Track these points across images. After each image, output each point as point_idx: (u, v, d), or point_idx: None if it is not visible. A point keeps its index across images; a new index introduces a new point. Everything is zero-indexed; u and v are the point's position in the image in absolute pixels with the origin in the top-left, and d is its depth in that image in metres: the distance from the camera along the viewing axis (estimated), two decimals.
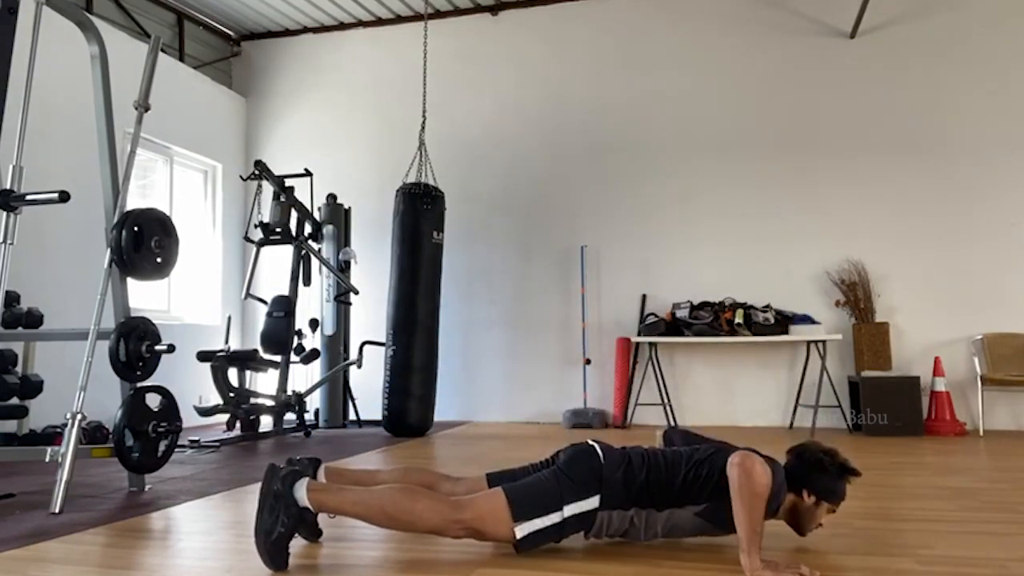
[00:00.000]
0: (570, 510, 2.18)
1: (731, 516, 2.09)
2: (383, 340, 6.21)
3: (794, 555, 2.23)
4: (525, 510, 2.16)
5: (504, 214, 7.04)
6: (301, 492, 2.18)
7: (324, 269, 6.53)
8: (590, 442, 2.33)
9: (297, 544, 2.37)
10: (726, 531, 2.23)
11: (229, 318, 6.05)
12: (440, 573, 2.11)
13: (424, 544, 2.43)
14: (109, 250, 3.41)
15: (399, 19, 7.47)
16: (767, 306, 6.15)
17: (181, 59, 7.15)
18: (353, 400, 6.57)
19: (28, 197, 3.08)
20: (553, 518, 2.17)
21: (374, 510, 2.18)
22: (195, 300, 7.15)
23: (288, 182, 6.07)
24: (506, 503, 2.16)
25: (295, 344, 5.83)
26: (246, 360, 5.58)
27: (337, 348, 6.57)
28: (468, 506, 2.17)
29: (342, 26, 7.63)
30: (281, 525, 2.13)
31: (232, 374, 5.55)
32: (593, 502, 2.19)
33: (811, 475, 2.26)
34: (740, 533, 2.01)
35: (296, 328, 5.84)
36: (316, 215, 6.56)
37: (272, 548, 2.11)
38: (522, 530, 2.15)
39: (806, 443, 2.37)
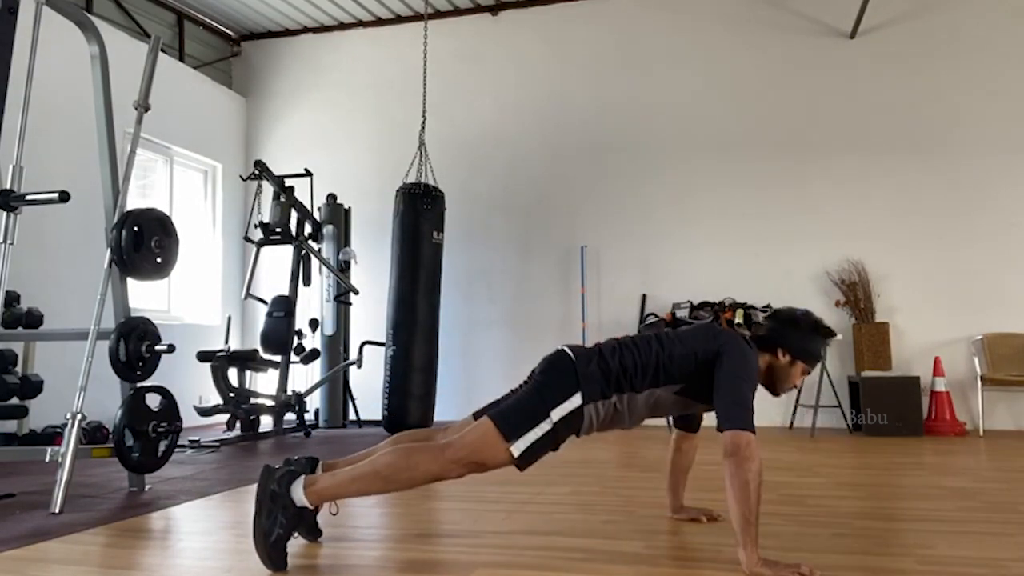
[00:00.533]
0: (557, 414, 2.20)
1: (709, 389, 2.16)
2: (383, 340, 6.21)
3: (794, 554, 2.23)
4: (515, 428, 2.18)
5: (504, 214, 7.04)
6: (298, 492, 2.18)
7: (324, 269, 6.53)
8: (560, 347, 2.36)
9: (297, 544, 2.37)
10: (706, 404, 2.27)
11: (229, 318, 6.05)
12: (440, 573, 2.11)
13: (424, 544, 2.43)
14: (109, 250, 3.41)
15: (399, 19, 7.47)
16: (767, 306, 6.16)
17: (181, 59, 7.15)
18: (353, 400, 6.57)
19: (28, 197, 3.08)
20: (543, 426, 2.19)
21: (371, 480, 2.19)
22: (195, 300, 7.15)
23: (288, 182, 6.07)
24: (495, 428, 2.18)
25: (295, 344, 5.83)
26: (246, 360, 5.58)
27: (337, 348, 6.57)
28: (459, 442, 2.19)
29: (342, 26, 7.64)
30: (279, 526, 2.13)
31: (232, 374, 5.55)
32: (575, 400, 2.21)
33: (785, 333, 2.31)
34: (735, 525, 2.00)
35: (296, 328, 5.84)
36: (316, 215, 6.56)
37: (271, 549, 2.11)
38: (517, 447, 2.17)
39: (783, 307, 2.43)
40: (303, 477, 2.21)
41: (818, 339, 2.33)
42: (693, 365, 2.24)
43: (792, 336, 2.31)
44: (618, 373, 2.24)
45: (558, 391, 2.22)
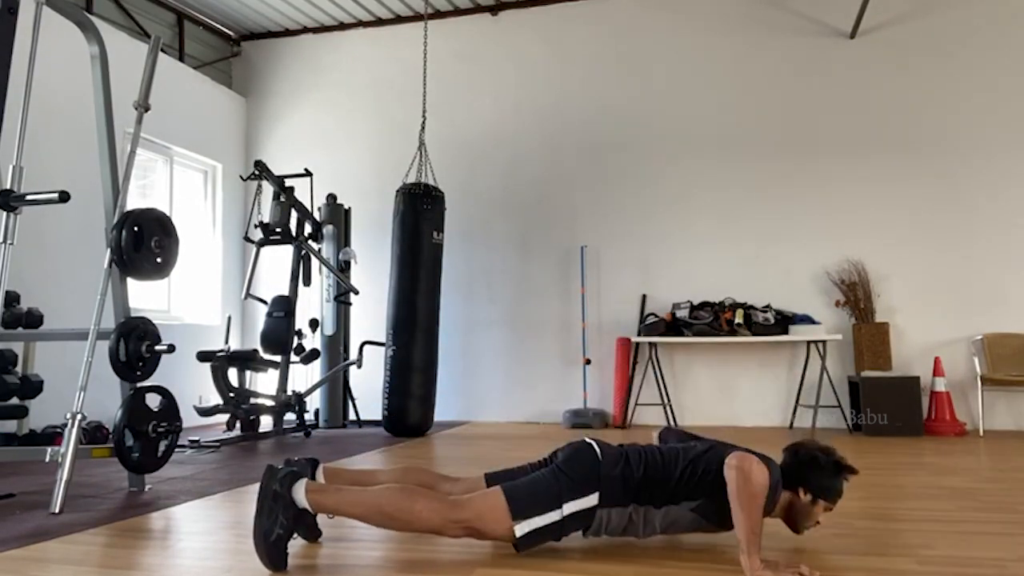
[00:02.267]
0: (569, 508, 2.18)
1: (727, 513, 2.10)
2: (383, 340, 6.21)
3: (794, 555, 2.23)
4: (524, 508, 2.16)
5: (504, 214, 7.04)
6: (300, 493, 2.18)
7: (324, 269, 6.53)
8: (588, 440, 2.33)
9: (297, 544, 2.37)
10: (722, 527, 2.23)
11: (229, 318, 6.05)
12: (440, 573, 2.11)
13: (424, 544, 2.43)
14: (109, 250, 3.41)
15: (399, 19, 7.47)
16: (767, 306, 6.15)
17: (181, 59, 7.15)
18: (353, 400, 6.57)
19: (28, 197, 3.08)
20: (552, 516, 2.17)
21: (372, 510, 2.18)
22: (195, 300, 7.15)
23: (288, 182, 6.08)
24: (505, 502, 2.16)
25: (295, 344, 5.83)
26: (246, 360, 5.57)
27: (337, 348, 6.57)
28: (467, 505, 2.17)
29: (342, 26, 7.63)
30: (280, 526, 2.13)
31: (232, 374, 5.55)
32: (592, 500, 2.19)
33: (807, 473, 2.26)
34: (739, 534, 2.01)
35: (296, 328, 5.84)
36: (316, 215, 6.56)
37: (271, 549, 2.11)
38: (521, 529, 2.15)
39: (802, 441, 2.38)
40: (305, 480, 2.21)
41: (840, 479, 2.27)
42: (714, 482, 2.18)
43: (814, 478, 2.25)
44: (639, 483, 2.21)
45: (577, 485, 2.19)
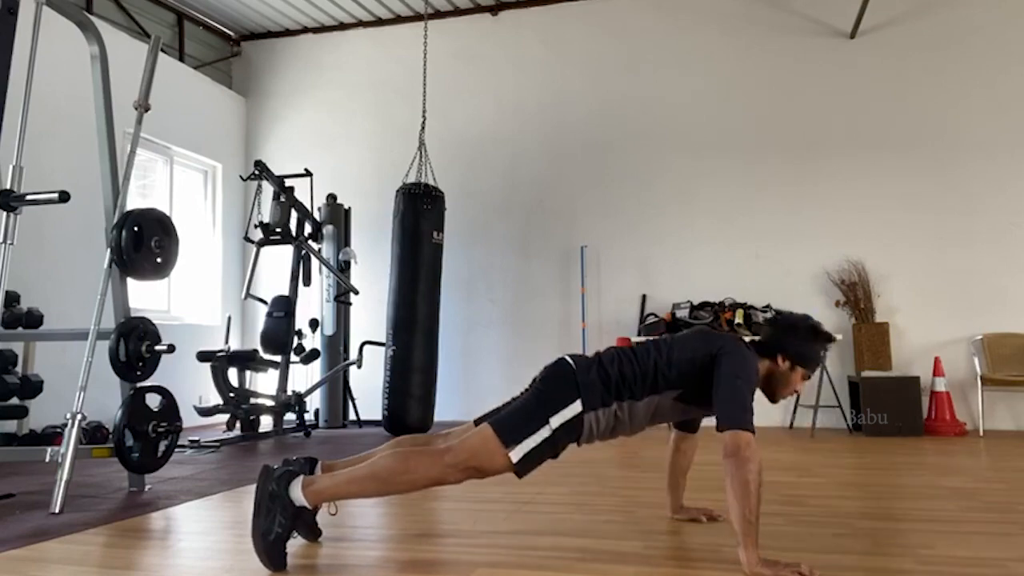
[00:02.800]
0: (556, 421, 2.20)
1: (709, 395, 2.17)
2: (383, 340, 6.21)
3: (794, 554, 2.23)
4: (514, 434, 2.19)
5: (504, 214, 7.04)
6: (297, 491, 2.18)
7: (324, 269, 6.53)
8: (561, 356, 2.37)
9: (297, 544, 2.37)
10: (706, 410, 2.29)
11: (229, 318, 6.05)
12: (440, 573, 2.11)
13: (424, 544, 2.43)
14: (109, 250, 3.41)
15: (399, 19, 7.47)
16: (767, 306, 6.15)
17: (181, 59, 7.15)
18: (353, 400, 6.57)
19: (28, 197, 3.08)
20: (543, 433, 2.19)
21: (370, 481, 2.19)
22: (195, 300, 7.15)
23: (288, 182, 6.07)
24: (494, 433, 2.19)
25: (295, 344, 5.83)
26: (246, 360, 5.58)
27: (337, 348, 6.57)
28: (459, 447, 2.20)
29: (342, 26, 7.63)
30: (278, 525, 2.13)
31: (232, 374, 5.55)
32: (576, 407, 2.22)
33: (785, 339, 2.32)
34: (735, 525, 2.00)
35: (296, 328, 5.84)
36: (316, 215, 6.56)
37: (270, 549, 2.11)
38: (516, 453, 2.17)
39: (781, 311, 2.43)
40: (301, 477, 2.21)
41: (818, 344, 2.33)
42: (691, 369, 2.24)
43: (791, 342, 2.32)
44: (617, 381, 2.25)
45: (558, 398, 2.23)
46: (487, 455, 2.18)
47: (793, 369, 2.32)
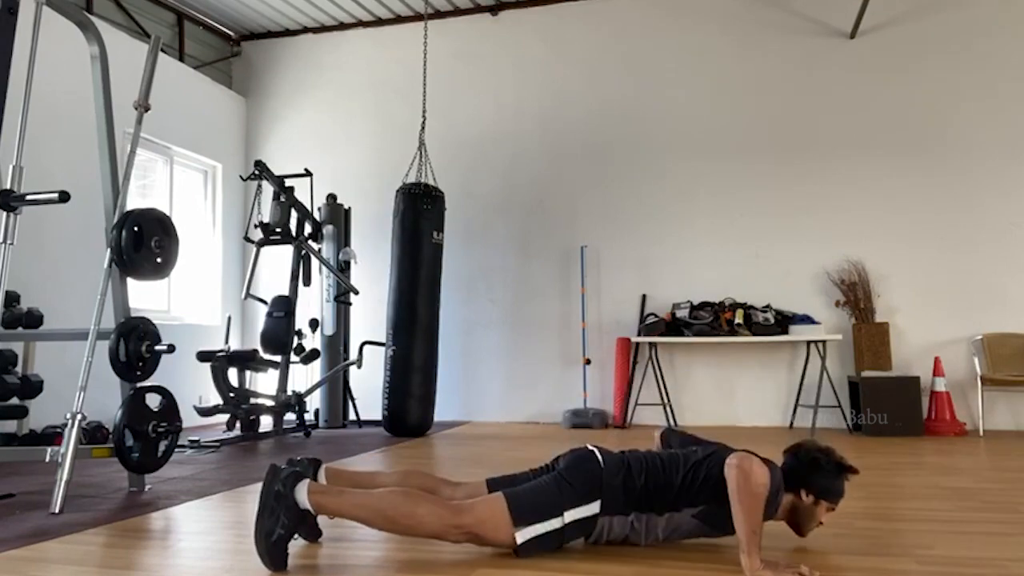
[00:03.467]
0: (571, 516, 2.18)
1: (729, 518, 2.09)
2: (383, 340, 6.21)
3: (794, 555, 2.23)
4: (526, 515, 2.16)
5: (504, 214, 7.04)
6: (302, 494, 2.18)
7: (324, 269, 6.53)
8: (590, 447, 2.33)
9: (297, 544, 2.37)
10: (724, 532, 2.23)
11: (229, 318, 6.05)
12: (440, 573, 2.11)
13: (424, 544, 2.43)
14: (109, 250, 3.41)
15: (399, 19, 7.47)
16: (767, 306, 6.15)
17: (181, 59, 7.15)
18: (353, 400, 6.57)
19: (28, 197, 3.08)
20: (554, 523, 2.17)
21: (374, 513, 2.18)
22: (195, 300, 7.15)
23: (288, 182, 6.07)
24: (506, 508, 2.16)
25: (295, 344, 5.83)
26: (246, 360, 5.58)
27: (337, 348, 6.57)
28: (468, 511, 2.17)
29: (342, 26, 7.63)
30: (281, 526, 2.13)
31: (232, 374, 5.55)
32: (594, 508, 2.20)
33: (809, 475, 2.26)
34: (739, 534, 2.01)
35: (296, 328, 5.84)
36: (316, 215, 6.56)
37: (272, 549, 2.11)
38: (522, 535, 2.15)
39: (802, 442, 2.38)
40: (308, 481, 2.21)
41: (841, 479, 2.28)
42: (715, 487, 2.18)
43: (816, 479, 2.26)
44: (641, 493, 2.22)
45: (579, 493, 2.20)
46: (493, 528, 2.16)
47: (817, 503, 2.27)
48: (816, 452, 2.29)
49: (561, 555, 2.25)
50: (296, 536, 2.21)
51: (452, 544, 2.37)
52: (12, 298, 4.54)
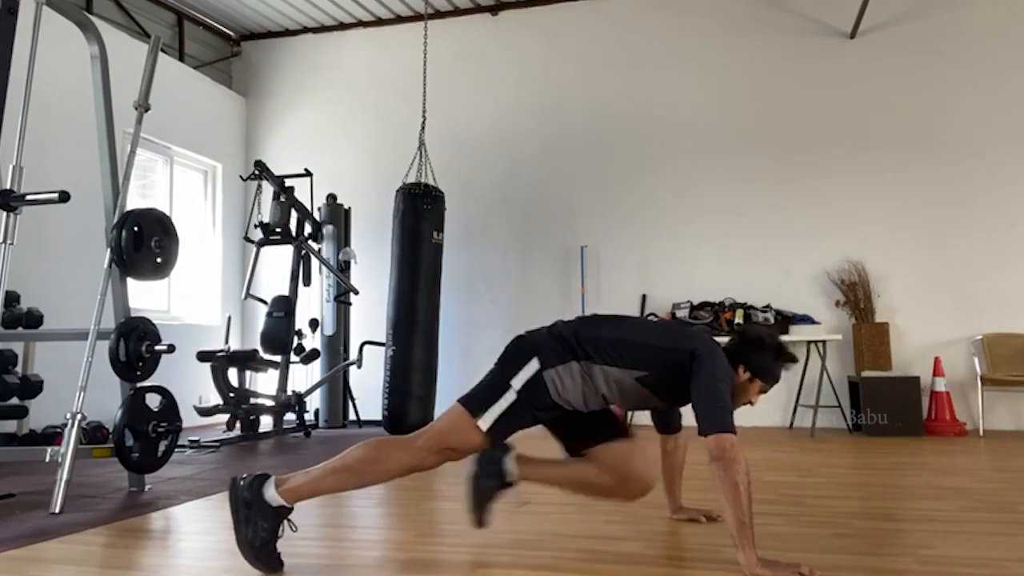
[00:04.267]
0: (518, 382, 2.20)
1: (676, 386, 2.18)
2: (383, 340, 6.21)
3: (793, 554, 2.23)
4: (479, 402, 2.20)
5: (504, 214, 7.04)
6: (271, 492, 2.15)
7: (324, 269, 6.53)
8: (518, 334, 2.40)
9: (296, 544, 2.37)
10: (670, 403, 2.32)
11: (229, 318, 6.05)
12: (440, 573, 2.11)
13: (424, 544, 2.43)
14: (109, 250, 3.41)
15: (399, 19, 7.47)
16: (767, 306, 6.15)
17: (181, 59, 7.15)
18: (353, 400, 6.57)
19: (28, 197, 3.08)
20: (508, 396, 2.19)
21: (342, 473, 2.18)
22: (195, 300, 7.15)
23: (288, 182, 6.07)
24: (462, 408, 2.21)
25: (295, 344, 5.83)
26: (246, 360, 5.58)
27: (337, 348, 6.57)
28: (430, 430, 2.22)
29: (342, 26, 7.63)
30: (262, 531, 2.12)
31: (232, 374, 5.55)
32: (533, 364, 2.22)
33: (748, 352, 2.33)
34: (731, 529, 2.00)
35: (296, 328, 5.84)
36: (316, 215, 6.56)
37: (260, 554, 2.11)
38: (485, 421, 2.17)
39: (750, 324, 2.44)
40: (272, 478, 2.18)
41: (779, 362, 2.34)
42: (655, 357, 2.22)
43: (755, 356, 2.32)
44: (571, 338, 2.25)
45: (516, 361, 2.25)
46: (458, 432, 2.19)
47: (752, 381, 2.32)
48: (762, 333, 2.37)
49: (561, 555, 2.25)
50: (282, 534, 2.20)
51: (453, 541, 2.38)
52: (12, 298, 4.54)
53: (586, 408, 2.28)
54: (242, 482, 2.17)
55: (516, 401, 2.19)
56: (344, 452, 2.24)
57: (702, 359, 2.19)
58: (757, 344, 2.33)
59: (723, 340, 2.37)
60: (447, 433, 2.19)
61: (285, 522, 2.18)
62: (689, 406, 2.20)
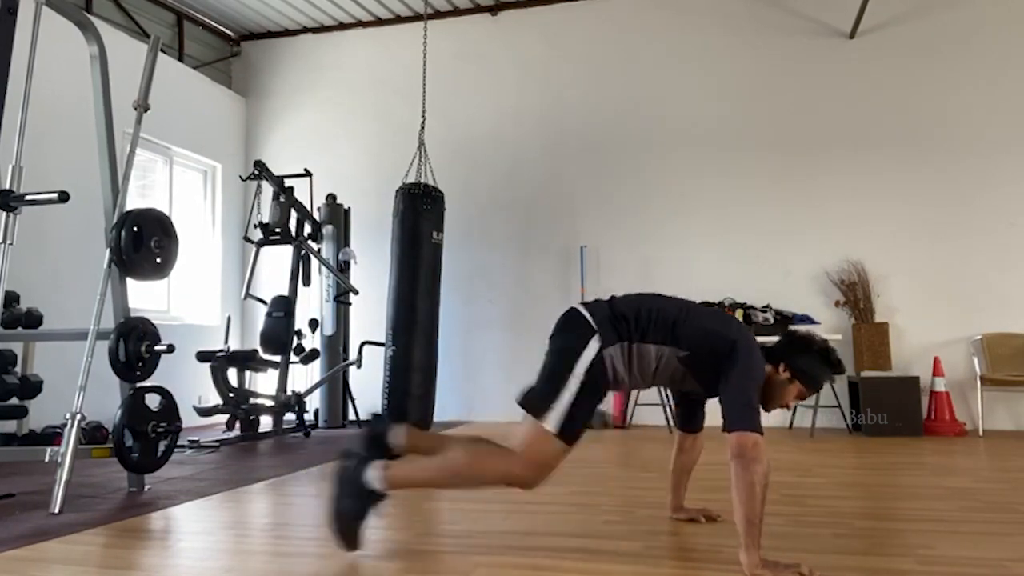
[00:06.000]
0: (580, 367, 2.19)
1: (711, 374, 2.17)
2: (383, 340, 6.20)
3: (794, 555, 2.23)
4: (542, 403, 2.18)
5: (504, 214, 7.04)
6: (372, 475, 2.21)
7: (324, 269, 6.53)
8: (572, 307, 2.39)
9: (296, 544, 2.37)
10: (702, 386, 2.29)
11: (229, 318, 6.05)
12: (440, 573, 2.11)
13: (424, 544, 2.43)
14: (109, 250, 3.41)
15: (398, 19, 7.47)
16: (766, 306, 6.16)
17: (180, 59, 7.15)
18: (353, 400, 6.57)
19: (28, 197, 3.08)
20: (571, 387, 2.17)
21: (444, 475, 2.22)
22: (195, 300, 7.14)
23: (288, 182, 6.07)
24: (532, 418, 2.18)
25: (295, 344, 5.83)
26: (246, 360, 5.57)
27: (337, 348, 6.57)
28: (518, 448, 2.19)
29: (341, 26, 7.63)
30: (355, 508, 2.19)
31: (232, 374, 5.54)
32: (594, 345, 2.21)
33: (794, 351, 2.32)
34: (739, 526, 2.00)
35: (296, 328, 5.83)
36: (316, 215, 6.56)
37: (346, 530, 2.19)
38: (552, 422, 2.16)
39: (805, 331, 2.43)
40: (378, 462, 2.23)
41: (825, 368, 2.30)
42: (703, 338, 2.23)
43: (799, 356, 2.30)
44: (631, 317, 2.25)
45: (576, 346, 2.22)
46: (538, 441, 2.17)
47: (792, 382, 2.30)
48: (811, 336, 2.35)
49: (560, 556, 2.25)
50: (370, 516, 2.23)
51: (453, 540, 2.38)
52: (12, 298, 4.54)
53: (616, 389, 2.30)
54: (352, 456, 2.23)
55: (580, 387, 2.18)
56: (447, 453, 2.25)
57: (739, 353, 2.18)
58: (805, 345, 2.31)
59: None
60: (533, 449, 2.18)
61: (377, 506, 2.23)
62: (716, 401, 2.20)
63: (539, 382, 2.25)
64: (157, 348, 3.47)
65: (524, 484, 2.20)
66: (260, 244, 5.92)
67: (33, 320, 4.52)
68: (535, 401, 2.19)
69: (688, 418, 2.65)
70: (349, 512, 2.20)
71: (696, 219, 6.57)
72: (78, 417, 3.11)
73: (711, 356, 2.20)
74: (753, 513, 1.98)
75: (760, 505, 1.99)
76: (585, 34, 6.99)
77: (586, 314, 2.29)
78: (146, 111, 3.67)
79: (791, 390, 2.30)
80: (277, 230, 5.90)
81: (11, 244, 3.09)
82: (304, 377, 6.95)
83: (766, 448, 2.03)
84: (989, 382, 5.63)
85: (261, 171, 5.85)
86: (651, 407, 6.36)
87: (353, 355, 6.53)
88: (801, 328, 2.49)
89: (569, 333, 2.27)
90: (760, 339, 2.36)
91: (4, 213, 3.08)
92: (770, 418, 6.34)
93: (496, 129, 7.12)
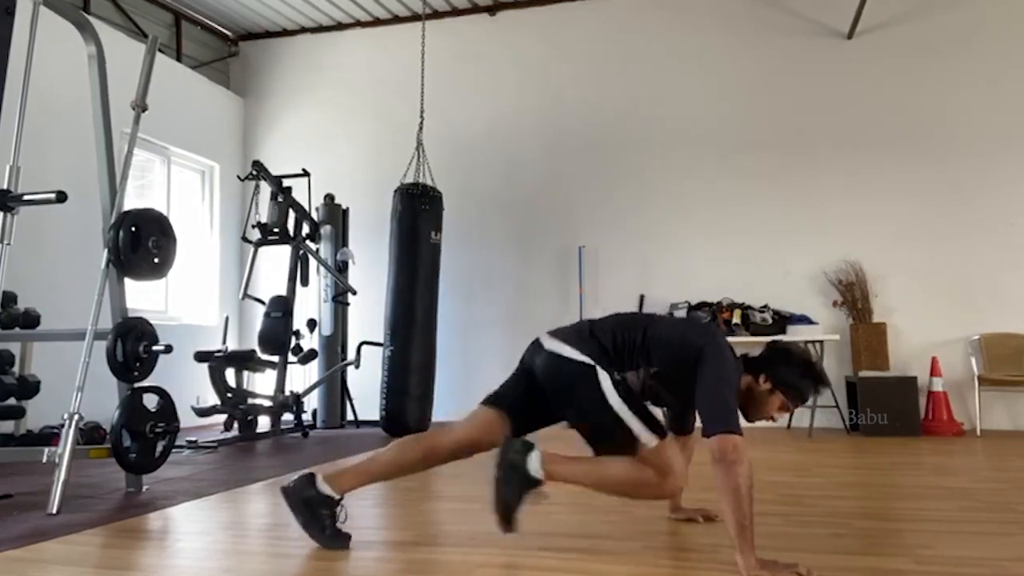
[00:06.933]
0: (614, 400, 2.27)
1: (684, 387, 2.22)
2: (381, 340, 6.20)
3: (792, 554, 2.23)
4: (630, 445, 2.24)
5: (502, 214, 7.04)
6: (536, 464, 2.24)
7: (322, 269, 6.53)
8: (550, 351, 2.51)
9: (295, 544, 2.37)
10: (677, 397, 2.38)
11: (227, 318, 6.04)
12: (440, 573, 2.10)
13: (423, 544, 2.43)
14: (106, 250, 3.40)
15: (397, 19, 7.47)
16: (765, 306, 6.16)
17: (179, 59, 7.14)
18: (351, 400, 6.57)
19: (25, 197, 3.08)
20: (624, 414, 2.27)
21: (603, 482, 2.28)
22: (193, 300, 7.14)
23: (286, 182, 6.07)
24: (636, 453, 2.24)
25: (293, 344, 5.82)
26: (244, 360, 5.57)
27: (335, 348, 6.56)
28: (655, 478, 2.24)
29: (340, 26, 7.63)
30: (516, 495, 2.23)
31: (230, 374, 5.54)
32: (604, 376, 2.30)
33: (775, 363, 2.32)
34: (730, 530, 2.00)
35: (294, 328, 5.83)
36: (314, 215, 6.55)
37: (509, 515, 2.23)
38: (647, 438, 2.24)
39: (787, 343, 2.44)
40: (541, 452, 2.26)
41: (807, 381, 2.32)
42: (667, 351, 2.29)
43: (780, 367, 2.31)
44: (609, 348, 2.35)
45: (592, 394, 2.29)
46: (655, 457, 2.24)
47: (772, 392, 2.30)
48: (793, 348, 2.36)
49: (560, 555, 2.25)
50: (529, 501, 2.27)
51: (452, 543, 2.38)
52: (9, 298, 4.53)
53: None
54: (516, 444, 2.29)
55: (626, 403, 2.27)
56: (613, 460, 2.29)
57: (707, 359, 2.19)
58: (785, 357, 2.32)
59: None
60: (662, 462, 2.24)
61: (537, 494, 2.27)
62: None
63: (604, 444, 2.31)
64: (155, 348, 3.46)
65: (672, 494, 2.38)
66: (258, 244, 5.91)
67: (31, 320, 4.52)
68: (624, 450, 2.26)
69: (677, 421, 2.66)
70: (511, 499, 2.23)
71: (695, 219, 6.57)
72: (76, 417, 3.10)
73: (680, 367, 2.24)
74: (743, 516, 1.97)
75: (748, 506, 1.98)
76: (584, 34, 6.99)
77: (571, 355, 2.36)
78: (144, 111, 3.67)
79: (773, 401, 2.32)
80: (275, 230, 5.89)
81: (9, 244, 3.08)
82: (302, 377, 6.94)
83: (746, 448, 2.03)
84: (987, 382, 5.63)
85: (259, 171, 5.84)
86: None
87: (351, 355, 6.53)
88: (784, 339, 2.48)
89: (573, 386, 2.35)
90: (758, 339, 2.36)
91: (2, 213, 3.08)
92: None
93: (495, 129, 7.12)
